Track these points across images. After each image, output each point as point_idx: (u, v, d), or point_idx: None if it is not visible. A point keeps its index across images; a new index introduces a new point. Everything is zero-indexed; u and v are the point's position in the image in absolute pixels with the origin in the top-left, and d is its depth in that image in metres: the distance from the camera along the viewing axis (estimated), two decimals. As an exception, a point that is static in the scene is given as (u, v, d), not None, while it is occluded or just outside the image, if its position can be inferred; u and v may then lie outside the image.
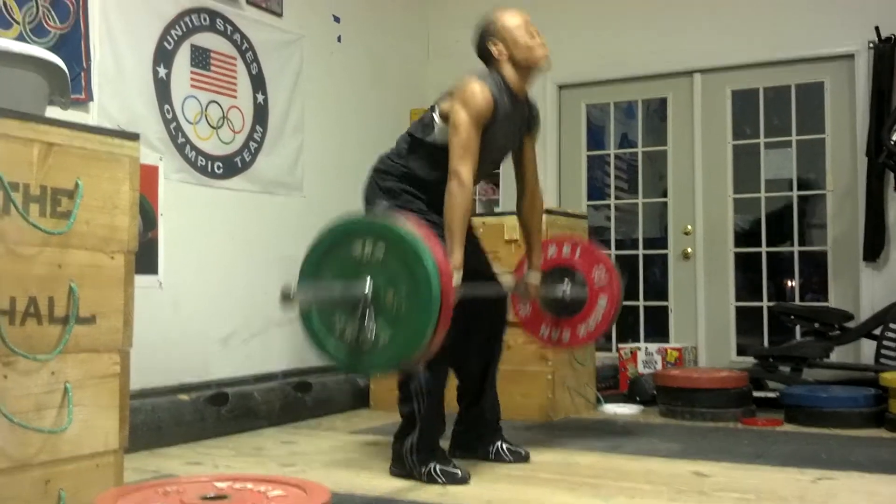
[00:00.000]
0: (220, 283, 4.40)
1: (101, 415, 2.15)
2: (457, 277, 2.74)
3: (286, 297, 2.47)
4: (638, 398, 4.76)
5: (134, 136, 2.29)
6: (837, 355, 4.87)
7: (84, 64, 3.75)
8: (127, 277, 2.23)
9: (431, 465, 2.97)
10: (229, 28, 4.53)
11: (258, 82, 4.71)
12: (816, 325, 4.79)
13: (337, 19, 5.34)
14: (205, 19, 4.39)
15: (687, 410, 4.31)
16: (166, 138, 4.15)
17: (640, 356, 5.11)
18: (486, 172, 3.35)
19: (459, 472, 2.96)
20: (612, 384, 5.14)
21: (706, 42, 5.46)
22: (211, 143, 4.41)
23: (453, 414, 3.30)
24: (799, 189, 5.41)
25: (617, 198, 5.94)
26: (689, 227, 5.56)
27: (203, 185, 4.35)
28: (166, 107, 4.17)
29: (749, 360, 4.97)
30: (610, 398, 4.80)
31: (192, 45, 4.32)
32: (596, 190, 5.99)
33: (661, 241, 5.72)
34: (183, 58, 4.27)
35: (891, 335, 4.54)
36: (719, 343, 5.44)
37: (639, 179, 5.90)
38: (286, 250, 4.28)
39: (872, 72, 4.98)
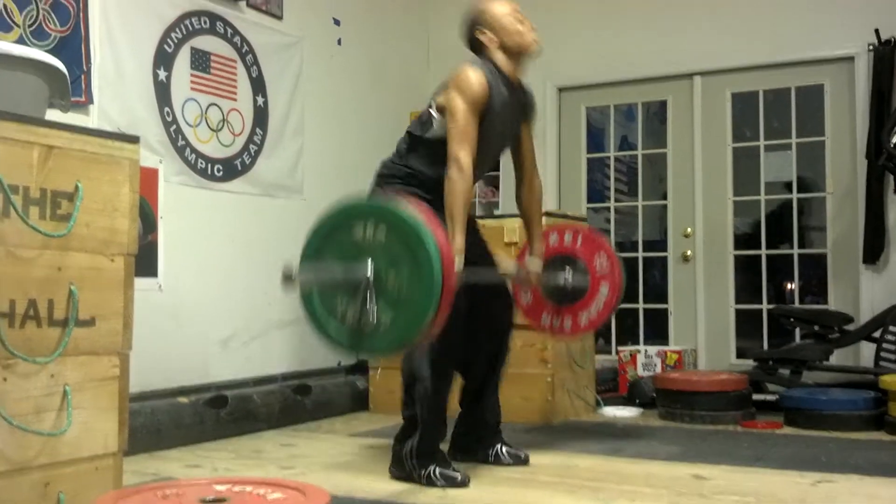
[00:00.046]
0: (219, 285, 4.40)
1: (100, 417, 2.15)
2: (458, 262, 2.73)
3: (287, 278, 2.48)
4: (637, 401, 4.76)
5: (134, 139, 2.29)
6: (837, 358, 4.87)
7: (84, 67, 3.75)
8: (127, 280, 2.23)
9: (431, 468, 2.97)
10: (229, 31, 4.53)
11: (258, 85, 4.71)
12: (816, 327, 4.79)
13: (337, 22, 5.34)
14: (205, 22, 4.39)
15: (686, 413, 4.30)
16: (166, 141, 4.16)
17: (640, 359, 5.11)
18: (488, 167, 3.32)
19: (459, 476, 2.96)
20: (611, 387, 5.14)
21: (706, 44, 5.46)
22: (211, 146, 4.41)
23: (454, 416, 3.30)
24: (799, 191, 5.41)
25: (617, 200, 5.95)
26: (689, 229, 5.56)
27: (203, 187, 4.35)
28: (166, 109, 4.17)
29: (749, 363, 4.96)
30: (609, 401, 4.79)
31: (193, 48, 4.32)
32: (596, 192, 5.99)
33: (661, 244, 5.72)
34: (183, 60, 4.27)
35: (890, 338, 4.54)
36: (719, 346, 5.43)
37: (639, 182, 5.90)
38: (286, 253, 4.26)
39: (872, 74, 4.98)
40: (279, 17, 4.87)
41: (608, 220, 5.91)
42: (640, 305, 5.68)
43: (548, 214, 4.11)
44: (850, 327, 4.76)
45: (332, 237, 2.54)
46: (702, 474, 3.10)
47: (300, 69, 5.00)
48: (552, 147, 5.88)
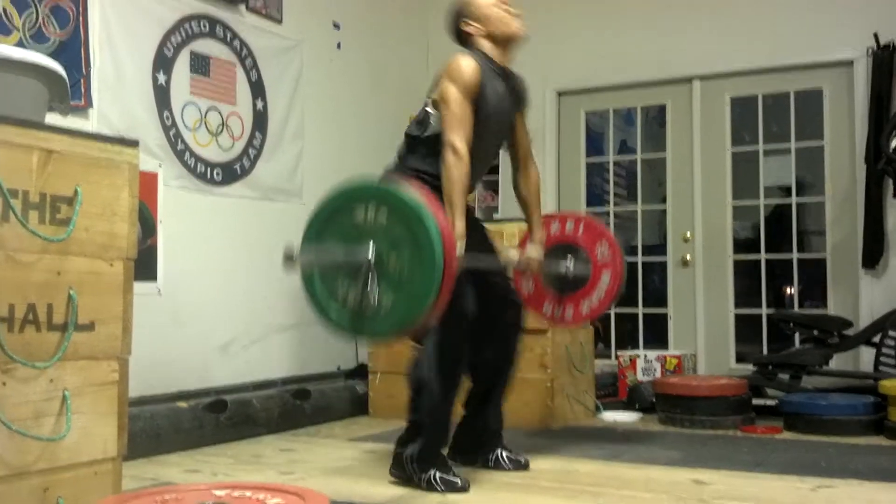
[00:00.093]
0: (219, 290, 4.40)
1: (99, 422, 2.14)
2: (460, 246, 2.73)
3: (289, 259, 2.47)
4: (637, 406, 4.75)
5: (133, 143, 2.28)
6: (836, 363, 4.87)
7: (84, 70, 3.75)
8: (126, 284, 2.22)
9: (431, 472, 2.96)
10: (229, 34, 4.53)
11: (258, 89, 4.71)
12: (815, 332, 4.79)
13: (337, 26, 5.35)
14: (204, 26, 4.39)
15: (686, 418, 4.30)
16: (166, 145, 4.15)
17: (640, 363, 5.10)
18: (486, 163, 3.28)
19: (459, 481, 2.95)
20: (611, 392, 5.13)
21: (705, 49, 5.47)
22: (210, 150, 4.41)
23: (456, 418, 3.28)
24: (798, 196, 5.42)
25: (616, 205, 5.95)
26: (689, 233, 5.57)
27: (202, 191, 4.35)
28: (166, 113, 4.17)
29: (748, 368, 4.96)
30: (609, 406, 4.79)
31: (192, 52, 4.32)
32: (595, 197, 5.99)
33: (660, 248, 5.72)
34: (182, 64, 4.27)
35: (890, 342, 4.53)
36: (718, 350, 5.43)
37: (638, 186, 5.90)
38: (285, 257, 4.27)
39: (871, 78, 4.99)
40: (279, 21, 4.87)
41: (607, 224, 5.91)
42: (640, 310, 5.68)
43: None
44: (850, 332, 4.75)
45: (333, 219, 2.53)
46: (702, 479, 3.10)
47: (300, 73, 5.00)
48: (551, 151, 5.88)
